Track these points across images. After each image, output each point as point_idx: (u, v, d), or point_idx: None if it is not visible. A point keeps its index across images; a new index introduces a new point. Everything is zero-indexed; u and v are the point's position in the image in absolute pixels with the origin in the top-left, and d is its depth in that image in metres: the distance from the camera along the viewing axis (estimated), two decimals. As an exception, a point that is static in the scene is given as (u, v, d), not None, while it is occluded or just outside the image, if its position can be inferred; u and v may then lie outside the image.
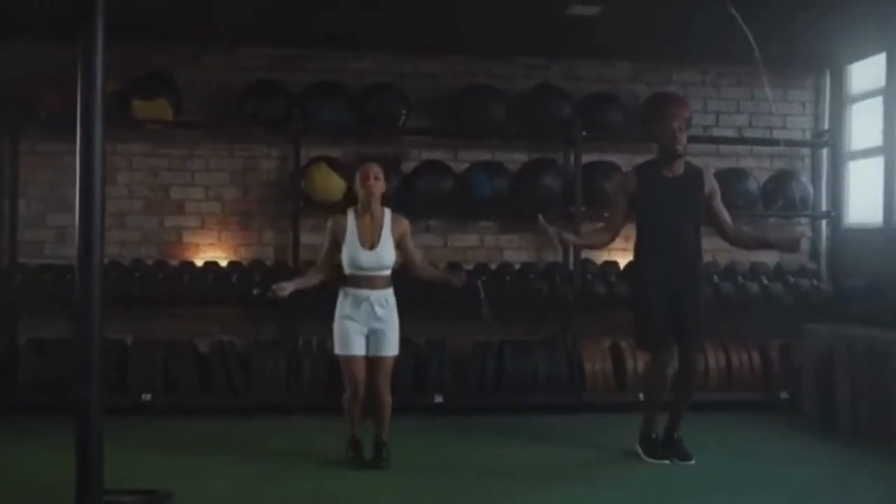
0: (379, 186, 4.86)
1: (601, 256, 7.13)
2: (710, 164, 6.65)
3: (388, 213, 4.94)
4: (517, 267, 7.00)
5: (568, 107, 7.01)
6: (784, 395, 6.85)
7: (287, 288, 4.78)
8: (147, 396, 6.32)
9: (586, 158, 7.07)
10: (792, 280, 6.99)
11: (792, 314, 6.94)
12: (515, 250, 7.28)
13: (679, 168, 5.20)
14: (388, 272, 4.91)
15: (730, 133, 7.49)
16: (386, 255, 4.86)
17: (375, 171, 4.86)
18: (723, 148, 7.42)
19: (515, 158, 7.18)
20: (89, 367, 3.85)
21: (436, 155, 7.09)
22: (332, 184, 6.62)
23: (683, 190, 5.17)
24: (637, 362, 6.79)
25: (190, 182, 6.95)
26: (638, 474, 4.98)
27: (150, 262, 6.71)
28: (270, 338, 6.81)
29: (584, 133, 6.93)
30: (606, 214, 5.67)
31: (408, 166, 6.94)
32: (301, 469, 4.95)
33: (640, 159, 7.19)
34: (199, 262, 6.77)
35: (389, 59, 7.11)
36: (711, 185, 5.27)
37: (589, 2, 5.75)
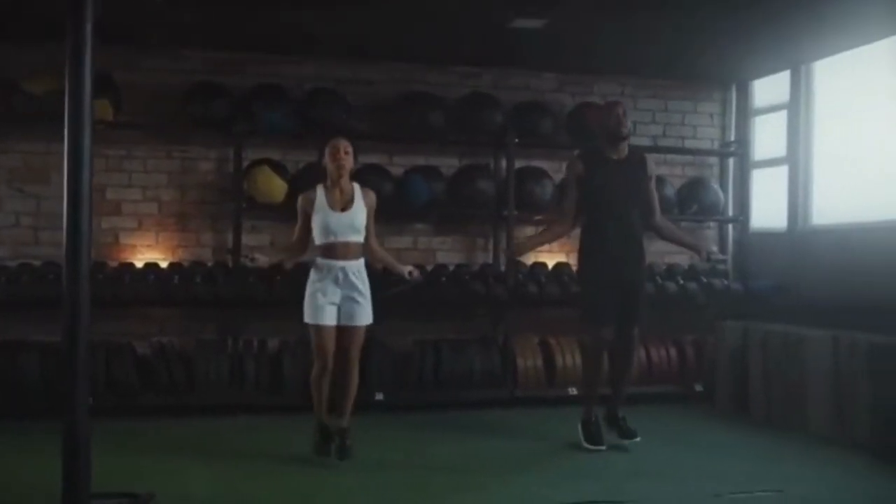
0: (349, 161, 4.95)
1: (530, 258, 7.47)
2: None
3: (356, 186, 5.05)
4: (451, 268, 7.25)
5: (500, 114, 7.31)
6: (698, 387, 7.35)
7: (258, 259, 5.01)
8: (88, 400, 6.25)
9: (516, 164, 7.37)
10: (704, 280, 7.49)
11: (703, 311, 7.45)
12: (448, 252, 7.54)
13: (624, 151, 5.53)
14: (360, 239, 4.97)
15: (646, 142, 7.93)
16: (358, 217, 4.94)
17: (345, 145, 4.96)
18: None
19: (448, 163, 7.44)
20: (76, 369, 3.89)
21: (371, 159, 7.25)
22: (274, 185, 6.72)
23: (629, 171, 5.49)
24: (565, 357, 7.17)
25: (127, 183, 6.91)
26: (582, 463, 5.26)
27: (88, 264, 6.63)
28: (210, 337, 6.84)
29: (516, 140, 7.23)
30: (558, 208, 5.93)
31: (347, 170, 7.09)
32: (268, 469, 5.01)
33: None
34: (138, 264, 6.74)
35: (328, 65, 7.25)
36: (652, 169, 5.64)
37: (533, 16, 6.06)
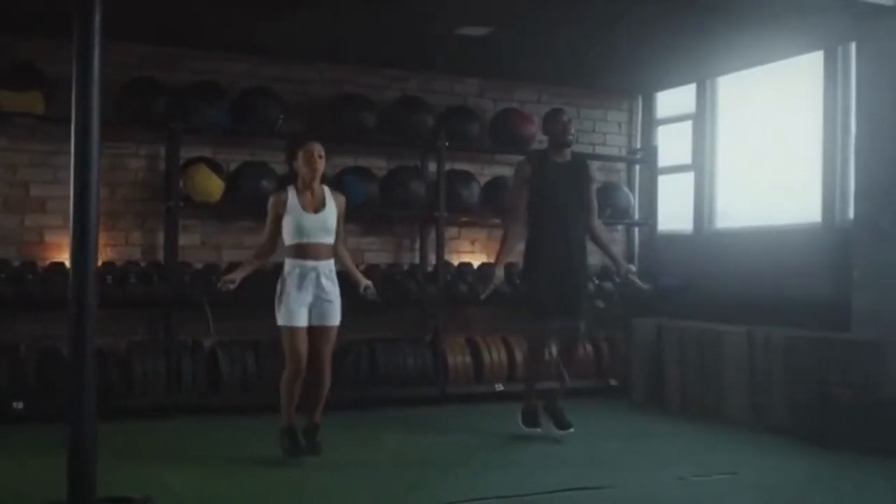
0: (322, 164, 5.01)
1: (457, 258, 7.71)
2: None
3: (326, 189, 5.12)
4: (383, 268, 7.37)
5: (431, 118, 7.50)
6: (613, 381, 7.77)
7: (236, 279, 4.91)
8: (19, 405, 6.03)
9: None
10: (618, 280, 7.90)
11: (614, 309, 7.87)
12: (376, 252, 7.63)
13: (567, 156, 5.88)
14: (331, 241, 5.03)
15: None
16: (330, 219, 5.01)
17: (319, 149, 5.02)
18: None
19: (377, 164, 7.55)
20: (83, 374, 3.82)
21: (300, 159, 7.26)
22: (212, 184, 6.65)
23: (572, 173, 5.84)
24: (492, 354, 7.44)
25: (52, 179, 6.64)
26: (540, 454, 5.51)
27: (16, 263, 6.37)
28: (142, 338, 6.70)
29: (447, 143, 7.42)
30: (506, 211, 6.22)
31: (282, 169, 7.06)
32: (237, 469, 5.01)
33: (489, 169, 7.95)
34: (68, 263, 6.48)
35: (261, 63, 7.22)
36: (593, 173, 6.04)
37: (478, 24, 6.28)
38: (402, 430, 6.29)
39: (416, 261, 7.71)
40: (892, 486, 4.86)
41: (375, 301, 5.32)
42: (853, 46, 6.51)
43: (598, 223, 6.06)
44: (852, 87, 6.51)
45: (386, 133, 7.43)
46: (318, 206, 5.02)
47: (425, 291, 7.21)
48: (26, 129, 6.52)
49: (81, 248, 3.81)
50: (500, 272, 5.79)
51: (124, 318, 6.71)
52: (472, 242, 8.00)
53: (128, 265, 6.62)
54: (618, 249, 8.20)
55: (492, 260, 7.76)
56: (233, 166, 6.99)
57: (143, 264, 6.72)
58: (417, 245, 7.75)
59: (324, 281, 4.99)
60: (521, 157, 7.71)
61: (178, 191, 6.64)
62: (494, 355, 7.44)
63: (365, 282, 5.24)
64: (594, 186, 6.03)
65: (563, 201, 5.77)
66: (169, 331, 6.60)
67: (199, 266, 6.83)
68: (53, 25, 6.32)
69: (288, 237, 5.00)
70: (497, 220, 7.77)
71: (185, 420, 6.28)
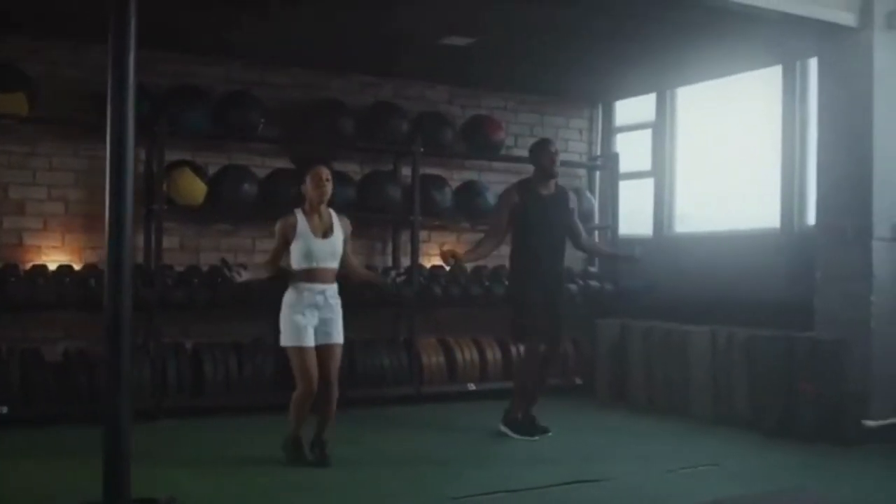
0: (330, 187, 5.11)
1: (429, 261, 7.88)
2: (508, 179, 7.54)
3: (332, 212, 5.21)
4: (359, 271, 7.50)
5: (405, 123, 7.65)
6: (578, 381, 8.05)
7: (243, 276, 5.02)
8: (3, 409, 5.99)
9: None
10: (581, 282, 8.20)
11: (577, 310, 8.14)
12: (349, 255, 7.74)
13: (552, 187, 6.11)
14: (337, 265, 5.14)
15: (525, 153, 8.53)
16: (338, 244, 5.12)
17: (326, 173, 5.11)
18: (518, 166, 8.42)
19: (351, 169, 7.67)
20: (120, 377, 3.88)
21: (276, 164, 7.32)
22: (196, 187, 6.70)
23: (555, 206, 6.09)
24: (465, 354, 7.65)
25: (31, 181, 6.61)
26: (529, 451, 5.69)
27: (-1, 265, 6.33)
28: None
29: (421, 148, 7.59)
30: (488, 226, 6.41)
31: (262, 173, 7.16)
32: (236, 469, 5.12)
33: (459, 174, 8.15)
34: (50, 266, 6.47)
35: (238, 68, 7.29)
36: (574, 202, 6.27)
37: (463, 34, 6.48)
38: (385, 428, 6.43)
39: (389, 263, 7.86)
40: (872, 472, 5.25)
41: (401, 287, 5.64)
42: (810, 61, 6.89)
43: (585, 240, 6.51)
44: (810, 99, 6.90)
45: (361, 138, 7.56)
46: (327, 231, 5.11)
47: (399, 293, 7.36)
48: (3, 130, 6.46)
49: (117, 256, 3.85)
50: (463, 256, 6.08)
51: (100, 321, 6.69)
52: (443, 246, 8.17)
53: (110, 268, 6.60)
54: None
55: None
56: (213, 170, 7.04)
57: (125, 267, 6.70)
58: (390, 248, 7.91)
59: (331, 302, 5.10)
60: (490, 161, 8.18)
61: (161, 194, 6.66)
62: (467, 355, 7.65)
63: (389, 277, 5.59)
64: (575, 214, 6.29)
65: (548, 232, 6.04)
66: (152, 334, 6.61)
67: (180, 269, 6.86)
68: (34, 27, 6.35)
69: (296, 262, 5.06)
70: (467, 224, 8.02)
71: (172, 422, 6.31)
